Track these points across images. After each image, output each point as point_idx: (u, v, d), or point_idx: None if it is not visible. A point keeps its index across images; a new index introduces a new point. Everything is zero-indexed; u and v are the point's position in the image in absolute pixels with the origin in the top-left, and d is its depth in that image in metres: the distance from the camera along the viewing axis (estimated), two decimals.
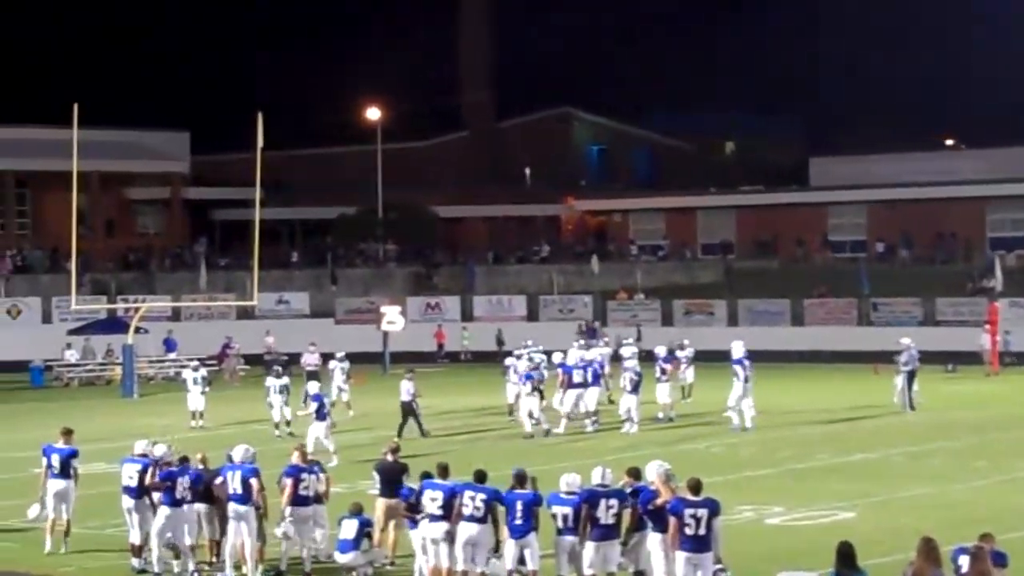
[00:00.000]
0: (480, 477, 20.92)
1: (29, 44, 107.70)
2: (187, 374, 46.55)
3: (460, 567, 20.67)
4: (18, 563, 23.92)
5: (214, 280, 75.65)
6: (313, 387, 36.97)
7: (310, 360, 50.71)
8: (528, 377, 39.99)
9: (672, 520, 18.88)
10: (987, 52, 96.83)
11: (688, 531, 18.73)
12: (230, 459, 23.30)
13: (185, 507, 22.71)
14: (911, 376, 44.37)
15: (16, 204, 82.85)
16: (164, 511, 22.68)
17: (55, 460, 24.74)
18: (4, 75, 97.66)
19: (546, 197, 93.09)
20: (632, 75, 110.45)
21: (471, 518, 20.55)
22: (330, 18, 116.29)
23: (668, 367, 42.58)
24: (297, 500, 22.41)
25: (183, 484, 22.71)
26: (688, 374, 46.78)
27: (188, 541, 22.70)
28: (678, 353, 46.33)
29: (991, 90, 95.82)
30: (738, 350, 40.42)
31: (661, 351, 43.65)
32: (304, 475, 22.57)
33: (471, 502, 20.63)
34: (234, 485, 22.40)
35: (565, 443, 37.53)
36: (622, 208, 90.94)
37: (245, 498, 22.29)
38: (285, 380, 40.89)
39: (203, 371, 45.64)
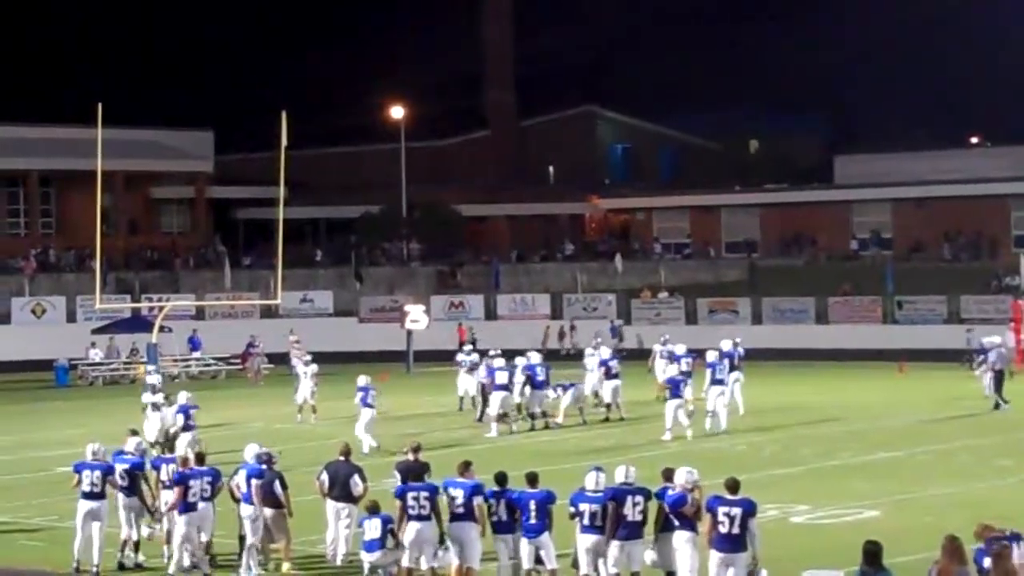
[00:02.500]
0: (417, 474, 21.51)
1: (53, 44, 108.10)
2: (152, 379, 43.41)
3: (406, 564, 20.94)
4: (44, 562, 23.98)
5: (238, 279, 75.80)
6: (181, 397, 35.24)
7: (292, 357, 50.43)
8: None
9: (707, 517, 18.90)
10: (1013, 50, 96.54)
11: (722, 529, 18.75)
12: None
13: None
14: (1000, 375, 43.81)
15: (40, 203, 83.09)
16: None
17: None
18: (29, 75, 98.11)
19: (570, 196, 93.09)
20: (656, 73, 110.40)
21: (418, 517, 20.83)
22: (354, 17, 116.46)
23: (690, 362, 42.54)
24: (187, 507, 22.50)
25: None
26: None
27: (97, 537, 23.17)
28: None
29: (1017, 88, 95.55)
30: (711, 354, 40.63)
31: (681, 350, 43.72)
32: (192, 481, 22.69)
33: (415, 502, 20.87)
34: (243, 485, 22.72)
35: (587, 442, 37.48)
36: (646, 206, 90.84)
37: (250, 498, 22.54)
38: (159, 397, 37.65)
39: (157, 377, 43.32)
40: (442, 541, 21.01)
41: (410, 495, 20.97)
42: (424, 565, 20.98)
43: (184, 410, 34.42)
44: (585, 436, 38.91)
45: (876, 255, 79.94)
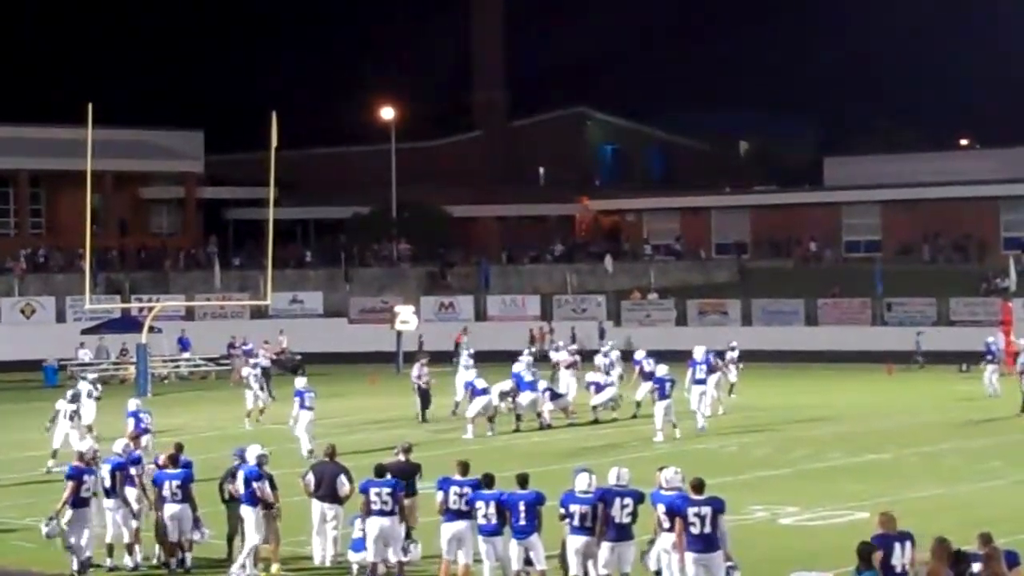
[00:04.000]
0: (380, 472, 21.68)
1: (43, 43, 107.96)
2: (82, 386, 40.37)
3: (371, 558, 21.19)
4: (34, 563, 23.95)
5: (228, 279, 75.72)
6: (132, 404, 34.71)
7: (262, 357, 50.33)
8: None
9: (677, 520, 18.91)
10: (1002, 52, 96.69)
11: (693, 530, 18.76)
12: (242, 459, 23.38)
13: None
14: None
15: (30, 203, 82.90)
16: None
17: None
18: (18, 74, 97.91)
19: (560, 197, 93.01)
20: (646, 75, 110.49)
21: (380, 512, 21.10)
22: (344, 17, 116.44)
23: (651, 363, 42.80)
24: (77, 502, 22.78)
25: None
26: (733, 373, 47.02)
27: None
28: (727, 354, 46.69)
29: (1006, 90, 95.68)
30: (698, 353, 40.84)
31: (640, 354, 44.19)
32: (86, 476, 22.92)
33: (377, 497, 21.17)
34: (241, 487, 22.76)
35: (577, 442, 37.51)
36: (636, 208, 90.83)
37: (248, 498, 22.57)
38: (75, 405, 36.75)
39: (89, 387, 41.31)
40: (408, 536, 21.42)
41: (372, 490, 21.28)
42: (392, 559, 21.19)
43: (135, 415, 34.10)
44: (575, 437, 38.94)
45: (834, 256, 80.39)
